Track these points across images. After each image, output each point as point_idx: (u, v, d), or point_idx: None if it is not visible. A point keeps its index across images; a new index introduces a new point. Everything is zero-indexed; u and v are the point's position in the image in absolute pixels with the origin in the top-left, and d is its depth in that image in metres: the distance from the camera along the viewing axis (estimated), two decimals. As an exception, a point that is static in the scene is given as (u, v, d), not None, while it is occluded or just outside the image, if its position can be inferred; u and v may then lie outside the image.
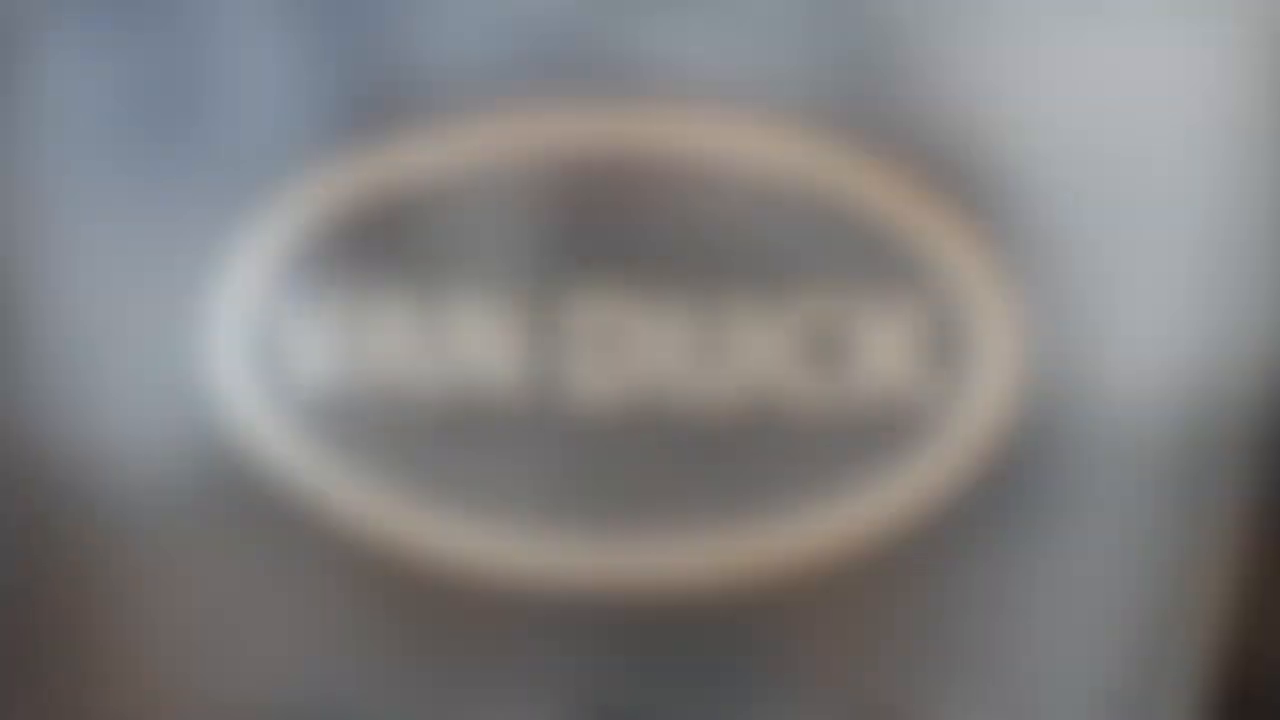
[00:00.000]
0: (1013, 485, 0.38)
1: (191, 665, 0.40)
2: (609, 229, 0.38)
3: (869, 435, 0.38)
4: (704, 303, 0.38)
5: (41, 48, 0.40)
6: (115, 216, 0.39)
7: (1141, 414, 0.38)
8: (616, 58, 0.38)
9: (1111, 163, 0.37)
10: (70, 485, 0.40)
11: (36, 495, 0.40)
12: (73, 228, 0.40)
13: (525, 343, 0.38)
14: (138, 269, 0.39)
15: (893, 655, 0.38)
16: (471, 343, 0.38)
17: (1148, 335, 0.37)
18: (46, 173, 0.40)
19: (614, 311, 0.38)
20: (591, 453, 0.38)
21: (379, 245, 0.38)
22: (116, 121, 0.39)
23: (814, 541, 0.38)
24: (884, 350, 0.38)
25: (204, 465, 0.39)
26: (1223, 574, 0.38)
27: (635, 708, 0.39)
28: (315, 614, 0.39)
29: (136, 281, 0.39)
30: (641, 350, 0.38)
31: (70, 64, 0.40)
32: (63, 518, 0.40)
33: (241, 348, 0.39)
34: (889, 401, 0.38)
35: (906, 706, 0.38)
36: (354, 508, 0.39)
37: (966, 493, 0.38)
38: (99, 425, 0.39)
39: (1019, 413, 0.37)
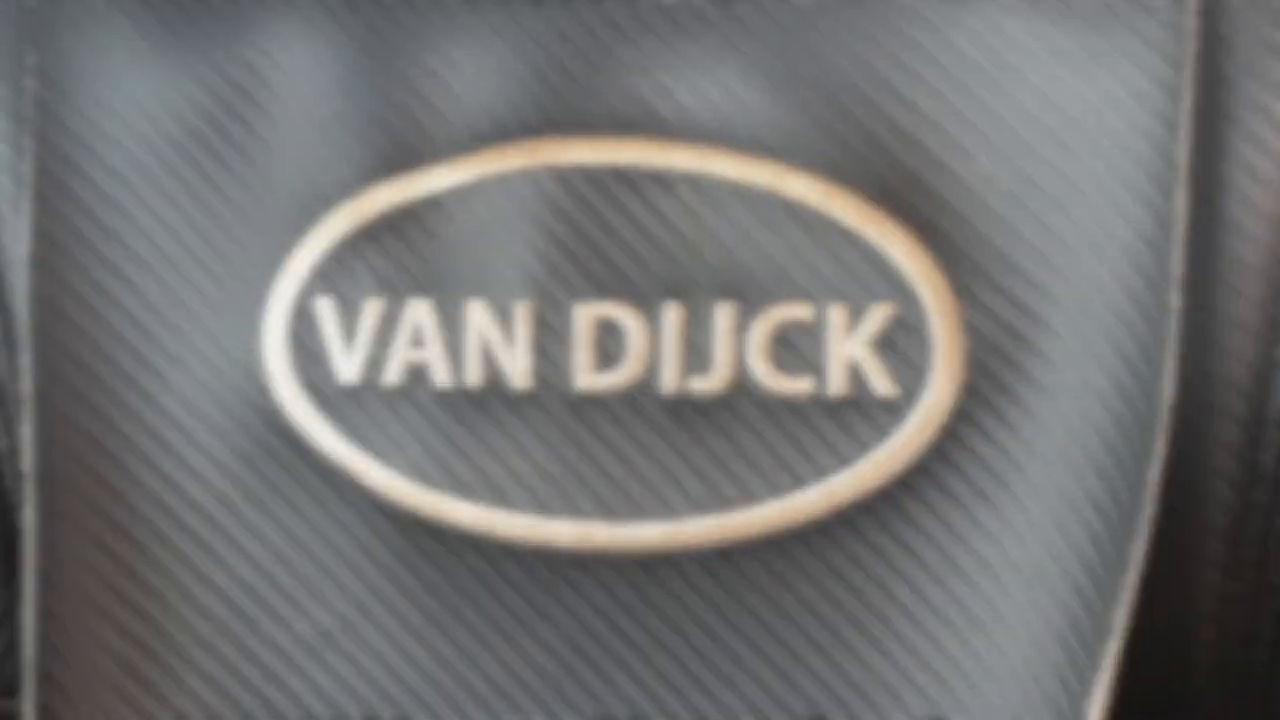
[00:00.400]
0: (961, 463, 0.41)
1: (242, 599, 0.43)
2: (605, 243, 0.41)
3: (840, 420, 0.41)
4: (689, 305, 0.41)
5: (144, 89, 0.44)
6: (190, 233, 0.43)
7: (1070, 403, 0.40)
8: (612, 99, 0.42)
9: (1043, 189, 0.40)
10: (151, 450, 0.43)
11: (129, 457, 0.43)
12: (158, 243, 0.43)
13: (531, 339, 0.42)
14: (207, 277, 0.43)
15: (855, 608, 0.42)
16: (484, 339, 0.42)
17: (1076, 334, 0.40)
18: (136, 195, 0.43)
19: (609, 313, 0.42)
20: (588, 435, 0.42)
21: (404, 256, 0.42)
22: (191, 152, 0.43)
23: (786, 513, 0.41)
24: (853, 346, 0.41)
25: (258, 437, 0.43)
26: (1141, 548, 0.41)
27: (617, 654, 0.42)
28: (346, 563, 0.43)
29: (206, 287, 0.43)
30: (633, 347, 0.41)
31: (159, 103, 0.43)
32: (147, 476, 0.43)
33: (286, 342, 0.43)
34: (858, 391, 0.41)
35: (860, 655, 0.42)
36: (381, 477, 0.42)
37: (921, 470, 0.41)
38: (176, 404, 0.43)
39: (967, 400, 0.41)
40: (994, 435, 0.41)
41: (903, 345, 0.41)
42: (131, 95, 0.43)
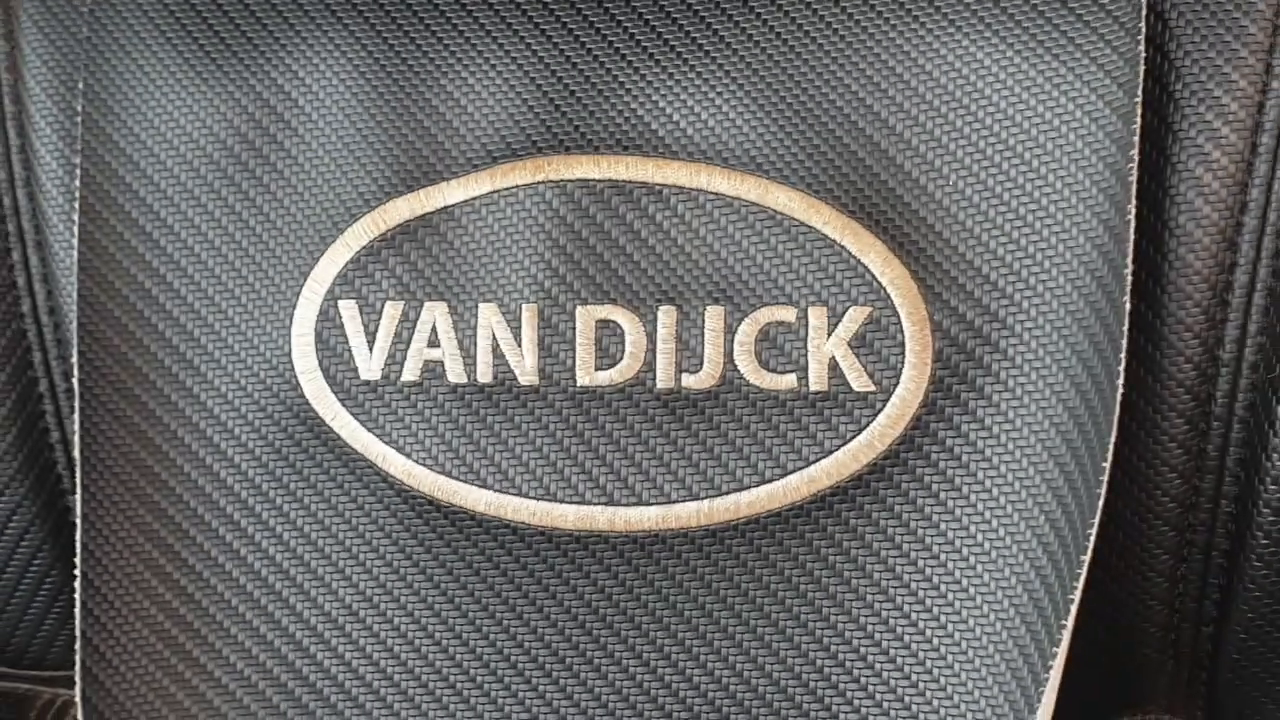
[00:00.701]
0: (930, 453, 0.42)
1: (272, 576, 0.45)
2: (605, 251, 0.43)
3: (820, 413, 0.42)
4: (682, 308, 0.43)
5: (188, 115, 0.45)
6: (224, 242, 0.44)
7: (1031, 398, 0.42)
8: (612, 120, 0.43)
9: (1007, 203, 0.42)
10: (189, 440, 0.45)
11: (169, 446, 0.45)
12: (195, 251, 0.45)
13: (537, 339, 0.43)
14: (240, 282, 0.44)
15: (833, 585, 0.43)
16: (494, 339, 0.43)
17: (1036, 334, 0.42)
18: (176, 207, 0.45)
19: (608, 315, 0.43)
20: (589, 427, 0.43)
21: (421, 263, 0.44)
22: (226, 168, 0.45)
23: (770, 498, 0.43)
24: (832, 346, 0.42)
25: (287, 429, 0.45)
26: (1096, 531, 0.42)
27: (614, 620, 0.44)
28: (368, 544, 0.44)
29: (239, 291, 0.44)
30: (630, 346, 0.43)
31: (197, 124, 0.45)
32: (185, 464, 0.45)
33: (313, 341, 0.44)
34: (837, 386, 0.42)
35: (837, 627, 0.43)
36: (400, 465, 0.44)
37: (894, 458, 0.42)
38: (212, 398, 0.45)
39: (936, 395, 0.42)
40: (961, 427, 0.42)
41: (877, 345, 0.42)
42: (172, 116, 0.44)
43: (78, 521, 0.45)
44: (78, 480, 0.45)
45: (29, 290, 0.47)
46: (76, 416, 0.45)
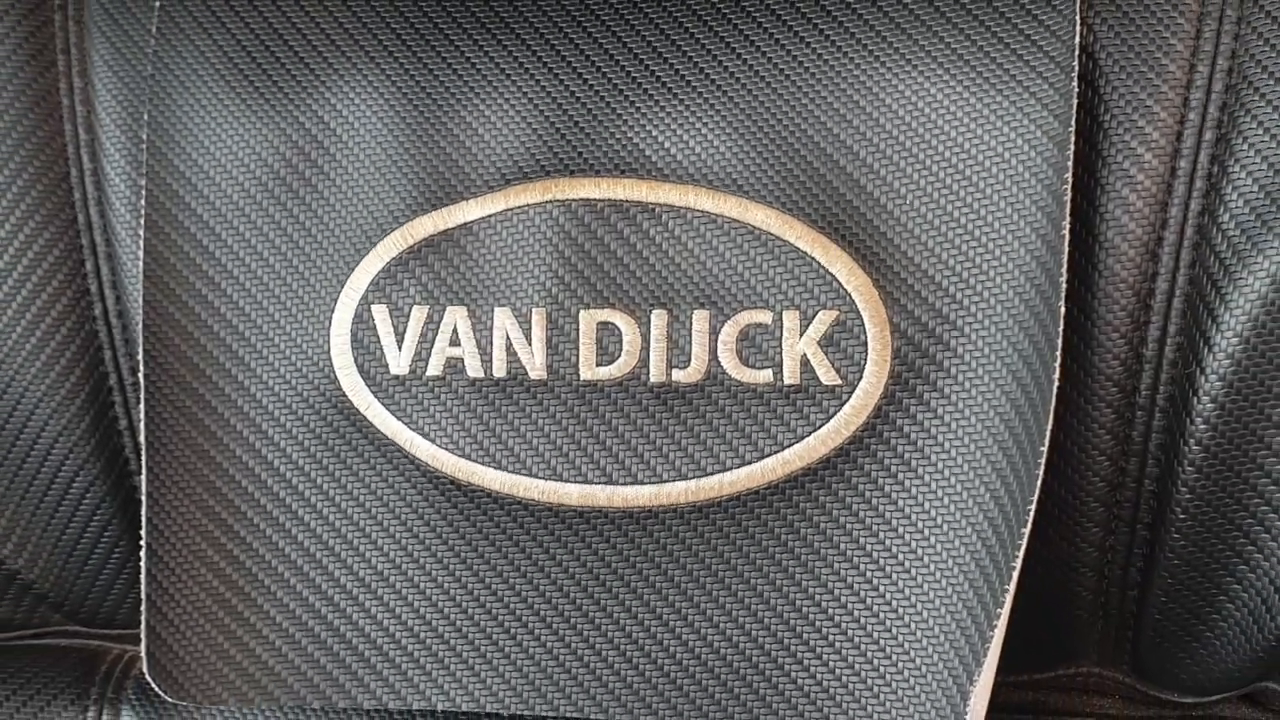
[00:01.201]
0: (890, 439, 0.44)
1: (312, 545, 0.46)
2: (605, 262, 0.44)
3: (793, 404, 0.44)
4: (672, 312, 0.44)
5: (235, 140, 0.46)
6: (271, 254, 0.46)
7: (978, 391, 0.43)
8: (612, 147, 0.45)
9: (957, 220, 0.43)
10: (240, 427, 0.46)
11: (222, 432, 0.46)
12: (245, 261, 0.46)
13: (545, 339, 0.45)
14: (285, 289, 0.46)
15: (804, 554, 0.45)
16: (507, 339, 0.45)
17: (983, 335, 0.43)
18: (229, 223, 0.46)
19: (608, 318, 0.44)
20: (591, 416, 0.45)
21: (444, 273, 0.45)
22: (273, 189, 0.46)
23: (750, 478, 0.45)
24: (804, 345, 0.44)
25: (326, 417, 0.46)
26: (1035, 508, 0.43)
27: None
28: (397, 518, 0.46)
29: (284, 297, 0.46)
30: (627, 345, 0.44)
31: (247, 150, 0.46)
32: (236, 447, 0.46)
33: (349, 341, 0.46)
34: (807, 380, 0.44)
35: (808, 591, 0.45)
36: (425, 450, 0.46)
37: (858, 444, 0.44)
38: (260, 390, 0.46)
39: (895, 388, 0.44)
40: (916, 416, 0.44)
41: (843, 344, 0.44)
42: (226, 144, 0.46)
43: (143, 499, 0.47)
44: (143, 463, 0.47)
45: (100, 296, 0.48)
46: (142, 407, 0.47)
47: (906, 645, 0.45)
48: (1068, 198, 0.43)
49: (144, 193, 0.47)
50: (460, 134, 0.45)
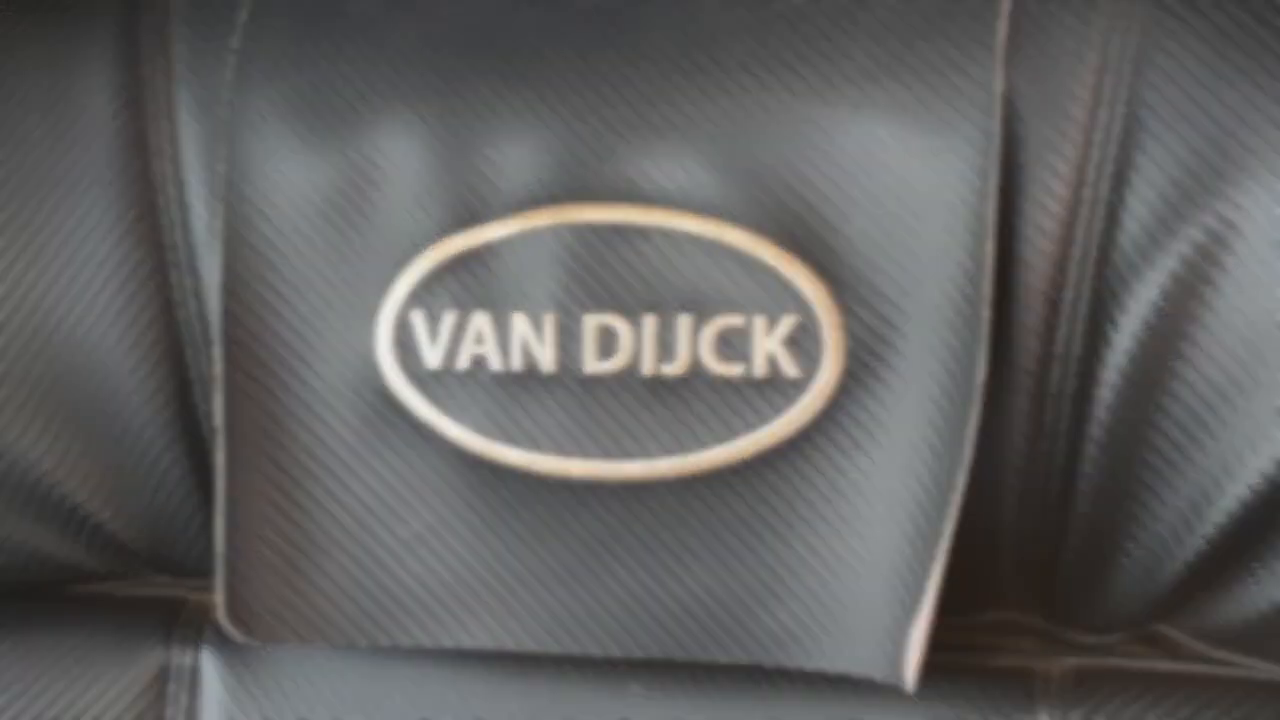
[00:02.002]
0: (843, 423, 0.48)
1: (361, 513, 0.50)
2: (605, 274, 0.49)
3: (762, 393, 0.48)
4: (661, 316, 0.48)
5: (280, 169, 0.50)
6: (326, 268, 0.50)
7: (917, 383, 0.47)
8: (612, 178, 0.48)
9: (900, 241, 0.47)
10: (299, 413, 0.50)
11: (285, 418, 0.50)
12: (305, 274, 0.50)
13: (555, 339, 0.49)
14: (338, 297, 0.50)
15: (773, 521, 0.48)
16: (523, 339, 0.49)
17: (921, 336, 0.47)
18: (291, 243, 0.50)
19: (608, 321, 0.49)
20: (594, 403, 0.49)
21: (470, 283, 0.49)
22: (327, 213, 0.50)
23: (726, 455, 0.49)
24: (771, 343, 0.48)
25: (372, 405, 0.50)
26: (963, 478, 0.46)
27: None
28: (432, 489, 0.50)
29: (337, 304, 0.50)
30: (623, 344, 0.48)
31: (306, 181, 0.49)
32: (297, 430, 0.50)
33: (391, 341, 0.50)
34: (774, 373, 0.48)
35: (777, 552, 0.49)
36: (456, 431, 0.50)
37: (816, 427, 0.48)
38: (317, 382, 0.50)
39: (848, 381, 0.48)
40: (866, 404, 0.48)
41: (804, 343, 0.48)
42: (289, 176, 0.50)
43: (219, 473, 0.51)
44: (219, 443, 0.51)
45: (183, 303, 0.52)
46: (219, 395, 0.51)
47: (857, 593, 0.48)
48: (991, 221, 0.46)
49: (221, 217, 0.51)
50: (484, 166, 0.49)
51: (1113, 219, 0.47)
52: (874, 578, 0.48)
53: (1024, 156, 0.47)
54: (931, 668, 0.46)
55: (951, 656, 0.50)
